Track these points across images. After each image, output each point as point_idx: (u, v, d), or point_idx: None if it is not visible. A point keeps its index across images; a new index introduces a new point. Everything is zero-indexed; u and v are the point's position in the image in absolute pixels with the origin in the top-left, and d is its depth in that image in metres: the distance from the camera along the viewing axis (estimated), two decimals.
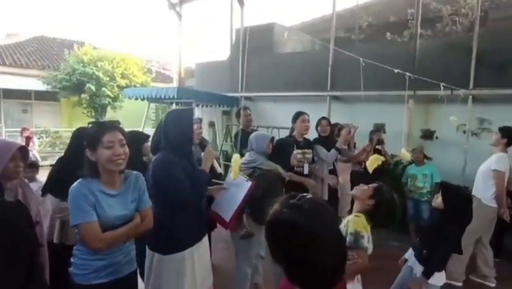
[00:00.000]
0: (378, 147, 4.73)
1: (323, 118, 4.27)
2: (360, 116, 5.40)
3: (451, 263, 3.66)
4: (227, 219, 2.39)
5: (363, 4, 8.77)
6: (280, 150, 3.06)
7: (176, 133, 2.09)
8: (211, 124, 8.65)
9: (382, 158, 4.24)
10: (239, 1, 8.09)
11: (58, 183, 2.17)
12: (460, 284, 3.66)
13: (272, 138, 3.08)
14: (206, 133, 8.14)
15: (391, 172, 5.41)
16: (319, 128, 4.13)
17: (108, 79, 11.58)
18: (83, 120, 11.51)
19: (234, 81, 8.05)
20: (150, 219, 1.85)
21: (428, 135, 5.71)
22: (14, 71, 12.34)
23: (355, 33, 8.42)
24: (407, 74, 4.16)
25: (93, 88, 11.27)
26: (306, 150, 3.69)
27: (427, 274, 2.39)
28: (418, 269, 2.49)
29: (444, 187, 2.50)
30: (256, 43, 7.80)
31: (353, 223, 1.95)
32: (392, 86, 5.48)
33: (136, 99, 7.98)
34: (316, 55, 7.61)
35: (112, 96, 11.71)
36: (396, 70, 4.32)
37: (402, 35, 7.79)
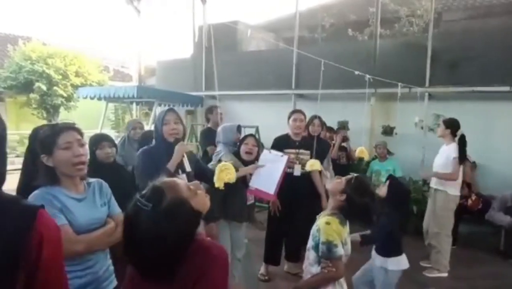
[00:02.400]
0: (343, 144, 4.81)
1: (316, 117, 4.08)
2: (324, 114, 5.46)
3: (435, 257, 3.85)
4: (271, 192, 2.53)
5: (325, 3, 8.94)
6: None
7: (155, 129, 2.37)
8: None
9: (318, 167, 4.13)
10: None
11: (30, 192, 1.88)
12: (445, 274, 3.82)
13: (238, 126, 3.19)
14: None
15: (355, 168, 5.55)
16: (310, 127, 3.96)
17: (60, 77, 10.81)
18: (33, 121, 10.64)
19: (197, 80, 7.86)
20: None
21: (388, 131, 5.93)
22: None
23: (318, 32, 8.56)
24: (367, 76, 4.27)
25: (43, 87, 10.48)
26: (301, 151, 3.51)
27: (366, 242, 2.60)
28: (378, 258, 2.71)
29: (392, 180, 2.84)
30: (219, 41, 7.66)
31: (323, 232, 1.83)
32: (355, 84, 5.62)
33: (92, 98, 7.51)
34: (280, 53, 7.62)
35: (65, 95, 10.95)
36: (356, 72, 4.42)
37: (363, 32, 8.04)
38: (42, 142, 1.55)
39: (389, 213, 2.66)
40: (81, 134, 1.61)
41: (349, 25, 8.22)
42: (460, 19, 6.95)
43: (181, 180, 1.12)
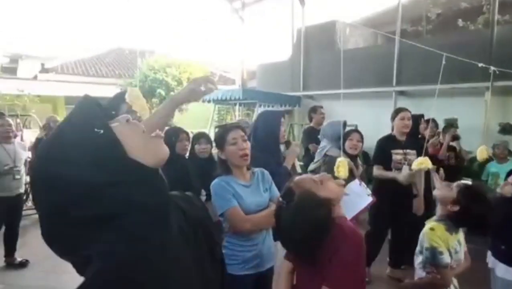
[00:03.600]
0: (452, 143, 4.51)
1: (423, 116, 3.87)
2: (429, 112, 5.19)
3: None
4: None
5: None
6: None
7: (264, 132, 2.27)
8: None
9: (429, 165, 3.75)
10: (300, 0, 8.19)
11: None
12: None
13: (345, 122, 3.20)
14: None
15: (465, 170, 5.12)
16: (422, 128, 3.82)
17: (176, 83, 12.39)
18: None
19: (295, 81, 8.18)
20: None
21: (507, 129, 5.27)
22: (96, 81, 13.85)
23: (422, 24, 8.02)
24: (492, 67, 3.80)
25: (163, 93, 12.16)
26: (408, 151, 3.35)
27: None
28: (500, 268, 2.39)
29: None
30: (317, 42, 7.85)
31: (427, 238, 1.83)
32: (465, 78, 5.18)
33: (203, 101, 8.52)
34: (379, 49, 7.43)
35: None
36: (480, 64, 3.97)
37: (475, 21, 7.26)
38: (216, 140, 1.90)
39: None
40: (244, 131, 1.90)
41: (459, 14, 7.48)
42: None
43: (307, 175, 1.36)
